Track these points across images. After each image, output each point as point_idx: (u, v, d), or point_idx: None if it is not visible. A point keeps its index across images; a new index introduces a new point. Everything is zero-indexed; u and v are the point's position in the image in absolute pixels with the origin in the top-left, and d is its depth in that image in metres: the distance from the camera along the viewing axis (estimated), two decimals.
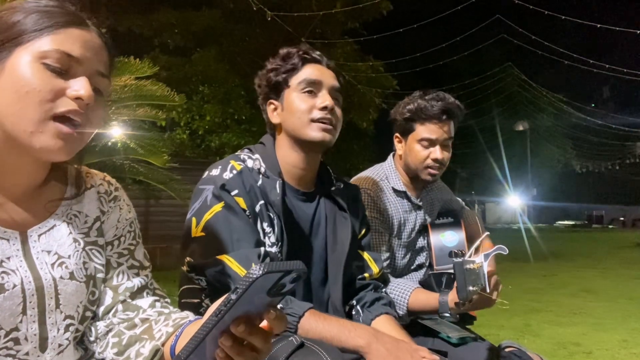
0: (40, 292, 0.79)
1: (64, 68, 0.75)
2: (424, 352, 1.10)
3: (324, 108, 1.22)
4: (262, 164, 1.24)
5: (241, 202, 1.16)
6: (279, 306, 0.68)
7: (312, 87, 1.24)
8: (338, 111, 1.27)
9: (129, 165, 4.19)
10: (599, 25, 8.96)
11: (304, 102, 1.23)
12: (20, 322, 0.76)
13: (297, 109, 1.24)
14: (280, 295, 0.60)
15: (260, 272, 0.52)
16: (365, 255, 1.40)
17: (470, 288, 1.36)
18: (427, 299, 1.52)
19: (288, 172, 1.28)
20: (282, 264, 0.55)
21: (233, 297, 0.54)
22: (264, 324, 0.62)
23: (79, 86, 0.75)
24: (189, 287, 1.21)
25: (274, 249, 1.18)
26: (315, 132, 1.22)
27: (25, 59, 0.73)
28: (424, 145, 1.66)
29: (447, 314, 1.47)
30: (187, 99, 8.73)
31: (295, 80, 1.26)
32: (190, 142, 10.58)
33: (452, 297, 1.45)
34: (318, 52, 1.30)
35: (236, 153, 1.30)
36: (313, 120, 1.22)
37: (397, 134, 1.75)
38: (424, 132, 1.65)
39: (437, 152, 1.65)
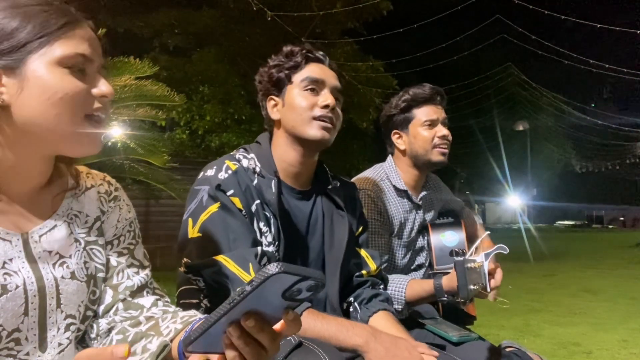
0: (42, 293, 0.79)
1: (83, 69, 0.79)
2: (423, 347, 1.10)
3: (326, 106, 1.23)
4: (257, 164, 1.24)
5: (237, 202, 1.16)
6: None
7: (315, 85, 1.25)
8: (338, 111, 1.28)
9: (129, 165, 4.20)
10: (599, 26, 8.96)
11: (306, 100, 1.24)
12: (22, 322, 0.77)
13: (298, 106, 1.24)
14: (296, 301, 0.60)
15: (277, 269, 0.53)
16: (363, 253, 1.40)
17: (471, 287, 1.36)
18: (423, 287, 1.54)
19: (284, 170, 1.27)
20: (300, 268, 0.56)
21: (247, 288, 0.55)
22: (276, 326, 0.63)
23: (103, 85, 0.80)
24: (187, 288, 1.21)
25: (270, 248, 1.18)
26: (314, 130, 1.23)
27: (45, 66, 0.75)
28: (427, 126, 1.71)
29: (444, 298, 1.48)
30: (187, 99, 8.72)
31: (298, 77, 1.26)
32: (190, 142, 10.57)
33: (446, 281, 1.46)
34: (321, 52, 1.31)
35: (231, 153, 1.30)
36: (314, 118, 1.23)
37: (396, 130, 1.77)
38: (424, 115, 1.72)
39: (442, 130, 1.71)
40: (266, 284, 0.54)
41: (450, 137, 1.73)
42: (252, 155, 1.26)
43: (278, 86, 1.29)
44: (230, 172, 1.19)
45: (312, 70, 1.27)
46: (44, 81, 0.74)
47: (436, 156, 1.71)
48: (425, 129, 1.71)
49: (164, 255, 8.20)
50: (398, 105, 1.74)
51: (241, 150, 1.31)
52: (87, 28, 0.81)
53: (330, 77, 1.28)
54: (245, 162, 1.23)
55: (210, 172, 1.20)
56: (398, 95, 1.78)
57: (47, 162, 0.84)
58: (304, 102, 1.24)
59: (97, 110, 0.79)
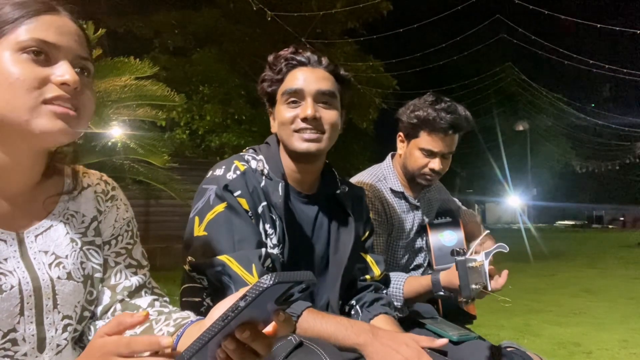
0: (37, 293, 0.79)
1: (47, 57, 0.75)
2: (424, 341, 1.10)
3: (305, 119, 1.20)
4: (266, 166, 1.24)
5: (244, 203, 1.16)
6: None
7: (295, 97, 1.22)
8: (327, 115, 1.22)
9: (129, 165, 4.20)
10: (599, 25, 8.96)
11: (288, 113, 1.22)
12: (18, 323, 0.76)
13: (281, 121, 1.23)
14: (287, 304, 0.61)
15: (271, 282, 0.53)
16: (368, 258, 1.40)
17: (473, 286, 1.36)
18: (420, 283, 1.55)
19: (290, 175, 1.27)
20: (292, 274, 0.55)
21: (241, 304, 0.54)
22: (267, 329, 0.63)
23: (63, 71, 0.76)
24: (190, 286, 1.21)
25: (275, 251, 1.18)
26: (298, 143, 1.21)
27: (5, 52, 0.74)
28: (424, 154, 1.66)
29: (441, 292, 1.48)
30: (187, 99, 8.72)
31: (280, 91, 1.25)
32: (190, 142, 10.56)
33: (444, 276, 1.47)
34: (307, 54, 1.25)
35: (240, 153, 1.30)
36: (296, 131, 1.21)
37: (401, 134, 1.75)
38: (426, 143, 1.64)
39: (435, 163, 1.65)
40: (261, 296, 0.54)
41: (443, 171, 1.68)
42: (260, 157, 1.26)
43: (270, 102, 1.29)
44: (238, 172, 1.19)
45: (292, 80, 1.23)
46: (1, 67, 0.73)
47: (420, 180, 1.70)
48: (420, 155, 1.66)
49: (164, 255, 8.21)
50: (410, 118, 1.66)
51: (250, 150, 1.30)
52: (62, 17, 0.79)
53: (313, 82, 1.21)
54: (253, 164, 1.23)
55: (218, 172, 1.20)
56: (419, 103, 1.67)
57: (35, 159, 0.82)
58: (285, 116, 1.22)
59: (59, 99, 0.75)
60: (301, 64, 1.24)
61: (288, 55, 1.25)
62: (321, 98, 1.22)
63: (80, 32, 0.81)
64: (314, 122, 1.21)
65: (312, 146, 1.21)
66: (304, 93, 1.21)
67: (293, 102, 1.22)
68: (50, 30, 0.76)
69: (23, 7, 0.76)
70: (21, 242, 0.80)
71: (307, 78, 1.22)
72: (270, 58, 1.28)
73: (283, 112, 1.23)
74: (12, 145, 0.77)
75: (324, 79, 1.24)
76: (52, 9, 0.78)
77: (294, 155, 1.25)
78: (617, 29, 9.22)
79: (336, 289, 1.27)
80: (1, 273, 0.76)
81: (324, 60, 1.26)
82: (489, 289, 1.38)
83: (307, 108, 1.20)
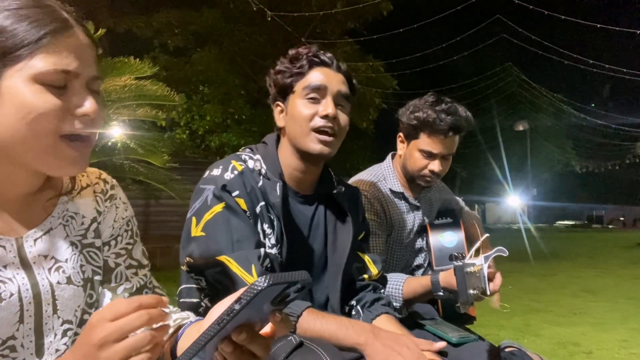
0: (37, 299, 0.77)
1: (63, 85, 0.72)
2: (424, 344, 1.10)
3: (325, 116, 1.20)
4: (263, 165, 1.24)
5: (242, 203, 1.15)
6: None
7: (316, 93, 1.22)
8: (342, 118, 1.24)
9: (129, 165, 4.20)
10: (599, 25, 8.97)
11: (306, 109, 1.21)
12: (17, 330, 0.75)
13: (298, 116, 1.22)
14: (283, 305, 0.61)
15: (265, 284, 0.53)
16: (365, 258, 1.39)
17: (471, 291, 1.36)
18: (420, 283, 1.54)
19: (289, 174, 1.27)
20: (287, 274, 0.55)
21: (237, 307, 0.54)
22: (264, 330, 0.62)
23: (85, 103, 0.73)
24: (188, 287, 1.21)
25: (274, 251, 1.17)
26: (313, 144, 1.20)
27: (22, 82, 0.69)
28: (424, 155, 1.65)
29: (441, 292, 1.47)
30: (187, 99, 8.75)
31: (300, 85, 1.23)
32: (190, 142, 10.58)
33: (443, 276, 1.46)
34: (329, 55, 1.26)
35: (237, 153, 1.29)
36: (314, 129, 1.20)
37: (401, 135, 1.74)
38: (426, 144, 1.64)
39: (435, 165, 1.65)
40: (256, 298, 0.54)
41: (442, 173, 1.68)
42: (258, 156, 1.25)
43: (283, 93, 1.27)
44: (236, 172, 1.18)
45: (315, 76, 1.23)
46: (19, 99, 0.69)
47: (420, 181, 1.70)
48: (420, 156, 1.66)
49: (164, 255, 8.20)
50: (410, 119, 1.66)
51: (247, 150, 1.29)
52: (76, 32, 0.74)
53: (334, 83, 1.23)
54: (251, 163, 1.22)
55: (216, 172, 1.19)
56: (419, 104, 1.66)
57: (37, 172, 0.80)
58: (304, 112, 1.21)
59: (78, 130, 0.73)
60: (324, 64, 1.25)
61: (311, 53, 1.26)
62: (340, 100, 1.24)
63: (92, 45, 0.78)
64: (332, 122, 1.21)
65: (325, 149, 1.21)
66: (327, 91, 1.22)
67: (312, 98, 1.22)
68: (70, 56, 0.72)
69: (40, 27, 0.70)
70: (20, 247, 0.79)
71: (331, 78, 1.24)
72: (292, 52, 1.28)
73: (300, 108, 1.22)
74: (12, 164, 0.76)
75: (343, 83, 1.26)
76: (67, 26, 0.73)
77: (305, 154, 1.24)
78: (617, 29, 9.23)
79: (336, 289, 1.27)
80: (0, 281, 0.74)
81: (343, 66, 1.29)
82: (488, 293, 1.38)
83: (329, 106, 1.20)
